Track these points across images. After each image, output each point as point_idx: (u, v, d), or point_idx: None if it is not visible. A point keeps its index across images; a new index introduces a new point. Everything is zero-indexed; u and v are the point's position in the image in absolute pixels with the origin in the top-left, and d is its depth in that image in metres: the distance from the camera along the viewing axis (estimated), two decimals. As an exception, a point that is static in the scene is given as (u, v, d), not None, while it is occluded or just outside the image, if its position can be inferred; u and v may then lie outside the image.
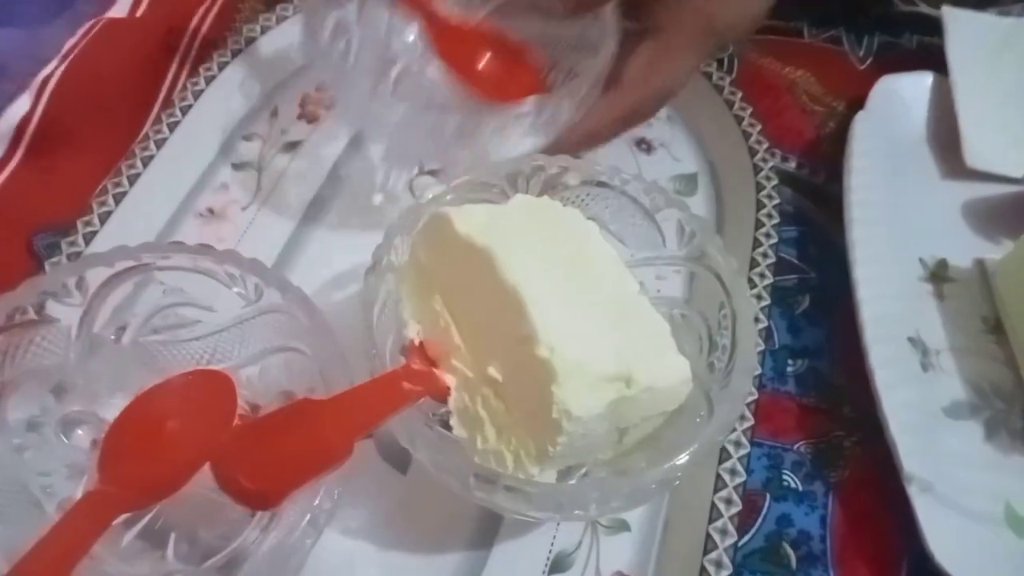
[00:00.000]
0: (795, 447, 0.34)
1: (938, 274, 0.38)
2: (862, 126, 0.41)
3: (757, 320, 0.36)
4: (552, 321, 0.27)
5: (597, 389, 0.26)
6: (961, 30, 0.45)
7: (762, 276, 0.38)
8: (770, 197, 0.41)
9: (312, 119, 0.43)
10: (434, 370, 0.29)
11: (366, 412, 0.27)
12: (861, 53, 0.47)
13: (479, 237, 0.29)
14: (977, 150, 0.42)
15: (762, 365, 0.36)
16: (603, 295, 0.29)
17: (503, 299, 0.27)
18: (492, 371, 0.28)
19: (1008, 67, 0.45)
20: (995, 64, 0.45)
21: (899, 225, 0.39)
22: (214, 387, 0.30)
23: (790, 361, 0.36)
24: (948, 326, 0.37)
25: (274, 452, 0.26)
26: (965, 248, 0.40)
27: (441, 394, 0.29)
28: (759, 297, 0.38)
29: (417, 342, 0.30)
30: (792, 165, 0.42)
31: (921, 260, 0.39)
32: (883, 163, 0.40)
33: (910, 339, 0.35)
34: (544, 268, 0.28)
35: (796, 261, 0.39)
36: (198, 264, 0.31)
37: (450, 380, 0.29)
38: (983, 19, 0.47)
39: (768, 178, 0.41)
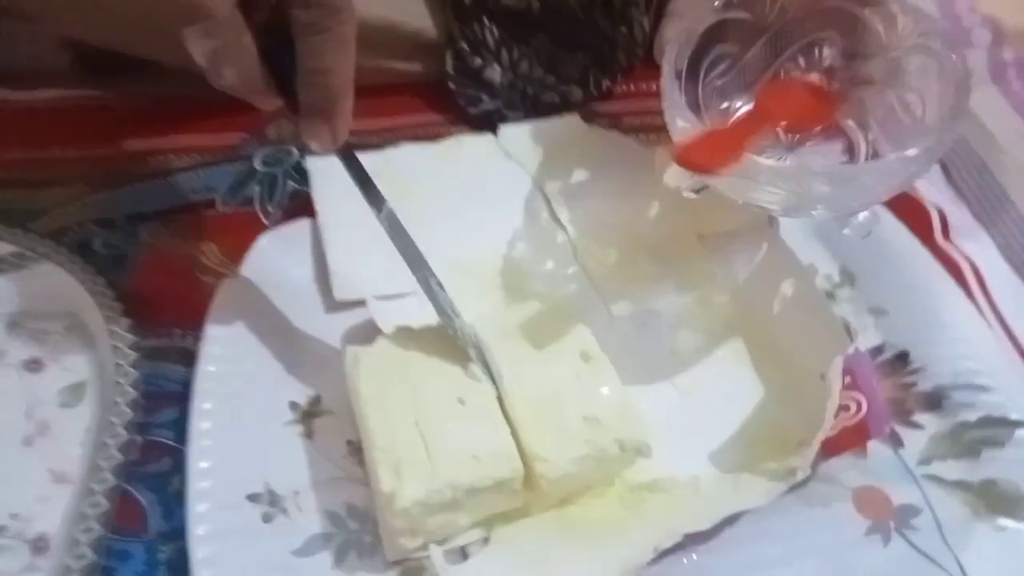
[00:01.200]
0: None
1: (311, 412, 0.41)
2: (226, 293, 0.44)
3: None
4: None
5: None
6: (324, 175, 0.50)
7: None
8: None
9: None
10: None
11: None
12: (272, 208, 0.51)
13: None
14: (342, 283, 0.45)
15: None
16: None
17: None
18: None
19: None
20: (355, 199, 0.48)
21: (263, 379, 0.41)
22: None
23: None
24: (312, 462, 0.39)
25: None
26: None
27: None
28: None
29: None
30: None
31: (292, 404, 0.41)
32: (250, 320, 0.43)
33: (249, 497, 0.37)
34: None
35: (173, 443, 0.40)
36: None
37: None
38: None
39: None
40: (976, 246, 0.49)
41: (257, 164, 0.53)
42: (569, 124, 0.54)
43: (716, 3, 0.44)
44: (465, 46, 0.55)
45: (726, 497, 0.36)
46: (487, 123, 0.55)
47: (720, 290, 0.44)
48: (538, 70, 0.55)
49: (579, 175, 0.50)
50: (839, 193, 0.38)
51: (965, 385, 0.40)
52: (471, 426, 0.35)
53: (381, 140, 0.54)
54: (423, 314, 0.43)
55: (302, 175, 0.52)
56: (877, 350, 0.42)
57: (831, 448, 0.38)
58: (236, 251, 0.47)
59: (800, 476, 0.36)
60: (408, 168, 0.51)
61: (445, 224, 0.48)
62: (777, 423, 0.39)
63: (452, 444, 0.35)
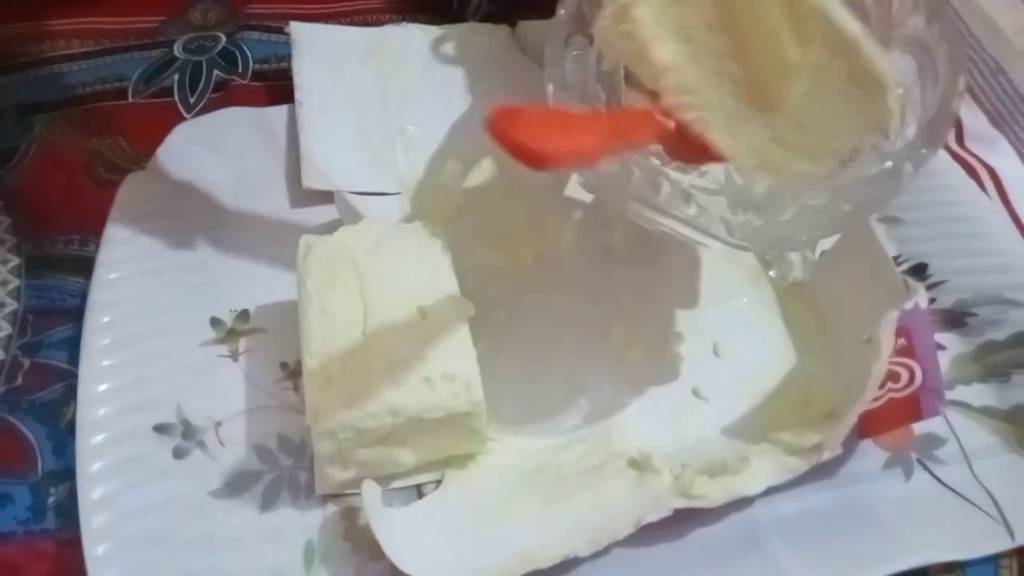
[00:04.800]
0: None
1: (236, 330, 0.34)
2: (133, 188, 0.36)
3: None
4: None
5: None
6: (309, 45, 0.43)
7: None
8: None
9: None
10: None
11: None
12: (192, 100, 0.43)
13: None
14: (313, 169, 0.38)
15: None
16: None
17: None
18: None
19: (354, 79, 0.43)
20: (341, 78, 0.42)
21: (178, 289, 0.34)
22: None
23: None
24: (244, 387, 0.33)
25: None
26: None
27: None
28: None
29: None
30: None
31: (214, 320, 0.34)
32: (162, 221, 0.36)
33: (157, 428, 0.31)
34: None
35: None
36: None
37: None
38: (333, 31, 0.45)
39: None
40: (993, 152, 0.43)
41: (177, 51, 0.46)
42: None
43: None
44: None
45: (731, 478, 0.29)
46: (445, 8, 0.47)
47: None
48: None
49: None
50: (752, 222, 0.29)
51: (992, 299, 0.35)
52: (430, 343, 0.29)
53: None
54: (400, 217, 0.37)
55: (231, 63, 0.45)
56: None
57: (871, 425, 0.30)
58: (149, 146, 0.40)
59: (827, 455, 0.29)
60: (410, 50, 0.44)
61: (443, 113, 0.41)
62: (809, 389, 0.33)
63: (401, 361, 0.28)
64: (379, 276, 0.31)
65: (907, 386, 0.29)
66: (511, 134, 0.21)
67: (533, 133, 0.21)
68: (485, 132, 0.21)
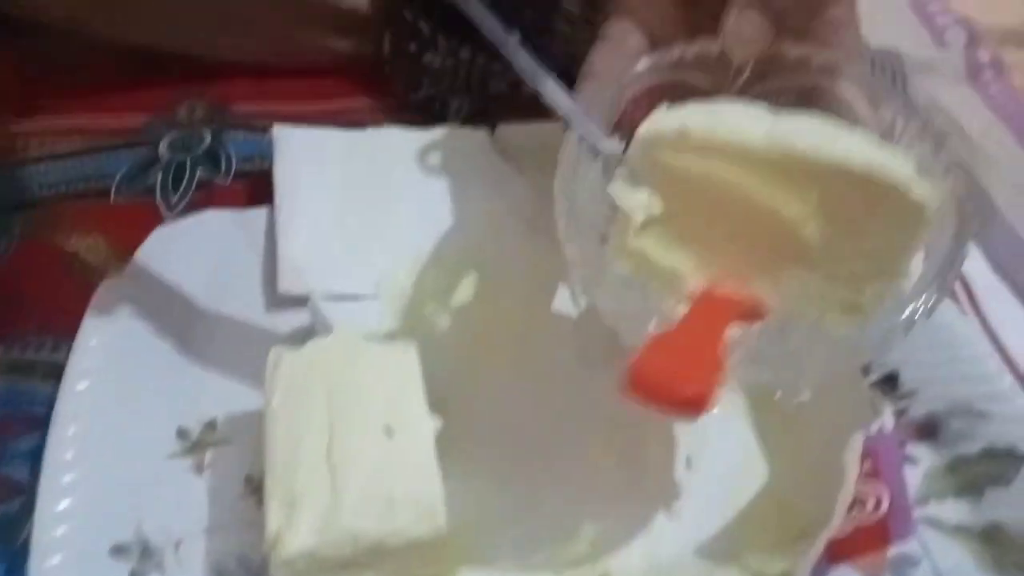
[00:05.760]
0: None
1: (203, 441, 0.34)
2: (108, 294, 0.36)
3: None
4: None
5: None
6: (290, 146, 0.43)
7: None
8: None
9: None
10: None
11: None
12: (174, 200, 0.44)
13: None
14: (291, 272, 0.38)
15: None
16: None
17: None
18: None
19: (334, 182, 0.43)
20: (322, 180, 0.43)
21: (146, 399, 0.34)
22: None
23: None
24: (207, 503, 0.32)
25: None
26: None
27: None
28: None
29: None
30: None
31: (181, 431, 0.34)
32: (135, 328, 0.36)
33: (114, 549, 0.30)
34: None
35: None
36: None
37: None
38: (315, 134, 0.45)
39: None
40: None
41: (163, 150, 0.46)
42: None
43: (655, 62, 0.33)
44: (402, 29, 0.49)
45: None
46: (428, 109, 0.49)
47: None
48: (481, 57, 0.50)
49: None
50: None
51: (963, 411, 0.35)
52: (394, 464, 0.29)
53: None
54: (377, 323, 0.37)
55: (214, 163, 0.46)
56: (863, 370, 0.36)
57: (840, 551, 0.30)
58: (128, 247, 0.40)
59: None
60: (391, 153, 0.45)
61: (424, 218, 0.42)
62: (782, 503, 0.32)
63: (364, 484, 0.28)
64: (347, 392, 0.30)
65: (875, 510, 0.29)
66: (664, 392, 0.21)
67: (672, 377, 0.22)
68: (629, 396, 0.21)
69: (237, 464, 0.33)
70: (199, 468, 0.33)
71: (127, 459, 0.32)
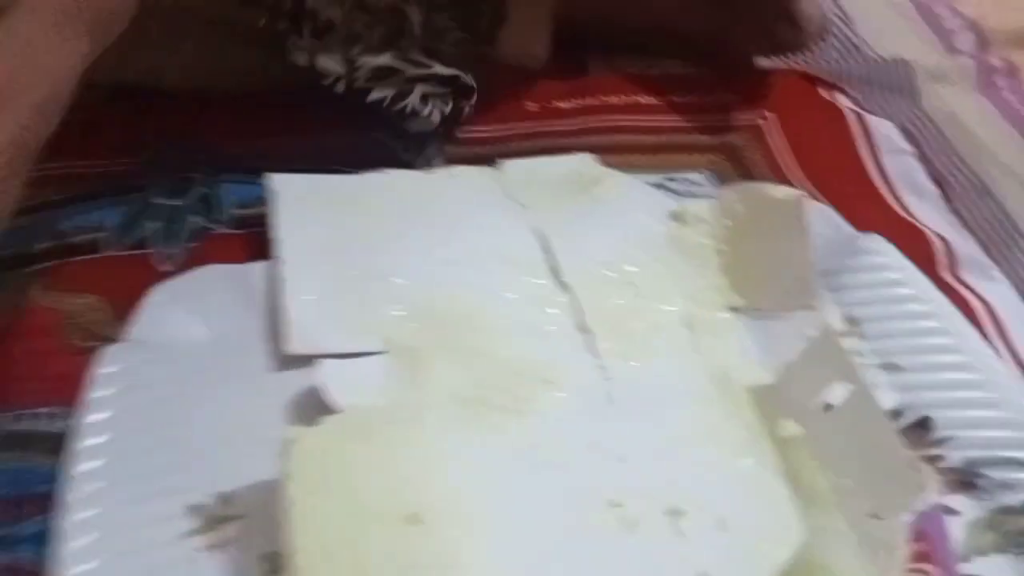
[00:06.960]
0: None
1: (218, 516, 0.32)
2: (108, 363, 0.34)
3: None
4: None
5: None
6: (288, 196, 0.41)
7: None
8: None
9: None
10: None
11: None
12: (169, 251, 0.42)
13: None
14: (300, 332, 0.37)
15: None
16: None
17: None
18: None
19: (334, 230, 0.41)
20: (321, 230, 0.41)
21: (155, 476, 0.32)
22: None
23: None
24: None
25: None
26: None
27: None
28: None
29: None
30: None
31: (193, 507, 0.32)
32: (140, 399, 0.34)
33: None
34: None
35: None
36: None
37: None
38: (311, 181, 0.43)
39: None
40: (988, 283, 0.43)
41: (152, 196, 0.44)
42: (582, 162, 0.46)
43: None
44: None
45: None
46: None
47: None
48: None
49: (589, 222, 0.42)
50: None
51: (1001, 460, 0.34)
52: (422, 550, 0.27)
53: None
54: (384, 384, 0.35)
55: (210, 209, 0.44)
56: (894, 414, 0.36)
57: None
58: (124, 306, 0.38)
59: None
60: (392, 195, 0.43)
61: (421, 261, 0.40)
62: (822, 563, 0.30)
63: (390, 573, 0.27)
64: (367, 475, 0.29)
65: (923, 586, 0.28)
66: None
67: None
68: None
69: (252, 541, 0.31)
70: (213, 547, 0.31)
71: (141, 544, 0.30)
